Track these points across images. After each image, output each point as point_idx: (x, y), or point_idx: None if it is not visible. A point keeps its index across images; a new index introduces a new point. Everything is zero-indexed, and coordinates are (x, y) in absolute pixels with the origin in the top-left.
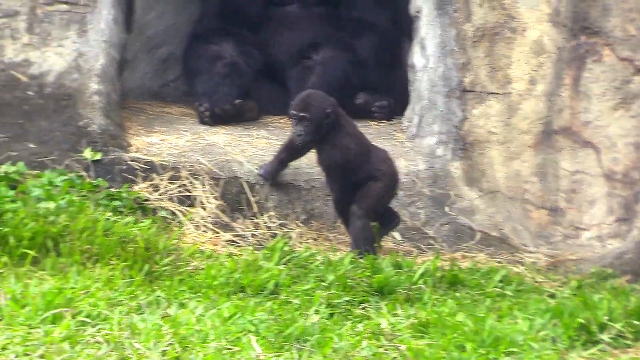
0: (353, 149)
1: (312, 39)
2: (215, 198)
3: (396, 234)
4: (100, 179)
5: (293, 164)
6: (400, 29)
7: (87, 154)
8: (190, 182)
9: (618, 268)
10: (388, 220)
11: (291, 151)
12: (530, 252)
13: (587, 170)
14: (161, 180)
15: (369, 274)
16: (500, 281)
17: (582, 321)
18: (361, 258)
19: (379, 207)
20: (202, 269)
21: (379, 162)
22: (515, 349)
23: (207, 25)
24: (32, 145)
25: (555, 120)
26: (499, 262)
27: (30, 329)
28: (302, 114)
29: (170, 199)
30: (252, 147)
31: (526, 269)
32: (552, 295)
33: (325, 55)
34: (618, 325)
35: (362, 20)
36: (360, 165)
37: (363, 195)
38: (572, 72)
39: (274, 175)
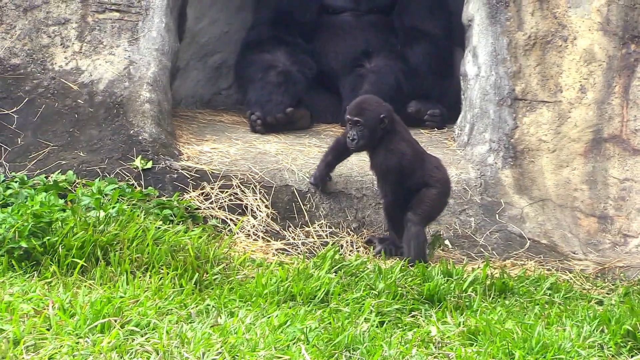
0: (408, 154)
1: (365, 47)
2: (266, 206)
3: (447, 242)
4: (150, 188)
5: (344, 172)
6: (453, 37)
7: (138, 162)
8: (242, 191)
9: None
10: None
11: (337, 153)
12: (579, 260)
13: (636, 178)
14: (212, 188)
15: (420, 281)
16: (549, 288)
17: (629, 328)
18: (412, 266)
19: (433, 214)
20: (253, 277)
21: (433, 169)
22: (562, 356)
23: (260, 34)
24: (82, 154)
25: (605, 128)
26: (548, 269)
27: (79, 338)
28: (356, 119)
29: (221, 208)
30: (304, 155)
31: (575, 277)
32: (600, 302)
33: (377, 63)
34: None
35: (415, 28)
36: (414, 171)
37: (418, 202)
38: (622, 80)
39: (323, 178)
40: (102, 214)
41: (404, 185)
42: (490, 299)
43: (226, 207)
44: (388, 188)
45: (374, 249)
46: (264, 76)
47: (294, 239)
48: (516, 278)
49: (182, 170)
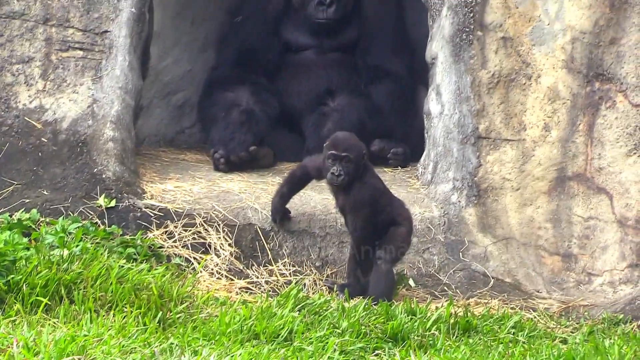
0: (381, 189)
1: (328, 86)
2: (230, 245)
3: (410, 281)
4: (114, 226)
5: (307, 210)
6: (416, 75)
7: (102, 201)
8: (205, 229)
9: (629, 314)
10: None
11: (292, 186)
12: (543, 298)
13: (600, 217)
14: (175, 227)
15: (383, 320)
16: (513, 327)
17: None
18: (376, 304)
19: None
20: (216, 316)
21: (400, 207)
22: None
23: (223, 72)
24: (45, 192)
25: (569, 167)
26: (512, 308)
27: None
28: (345, 154)
29: (185, 246)
30: (267, 194)
31: (539, 315)
32: (564, 341)
33: (341, 101)
34: None
35: (378, 66)
36: (385, 206)
37: (390, 240)
38: (587, 118)
39: (278, 210)
40: (65, 252)
41: (374, 220)
42: (454, 337)
43: (189, 245)
44: (359, 223)
45: (336, 297)
46: (227, 115)
47: (258, 277)
48: (480, 317)
49: (145, 208)
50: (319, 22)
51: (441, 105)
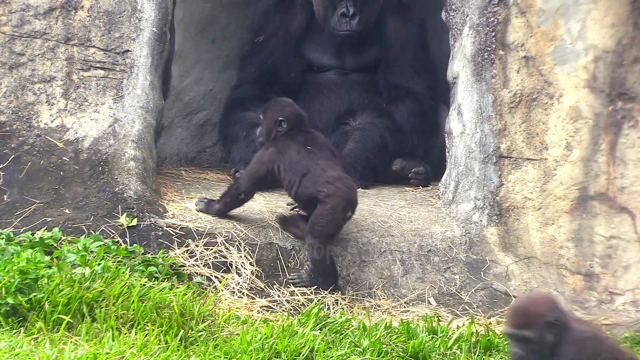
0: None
1: (349, 106)
2: (251, 264)
3: (431, 299)
4: (136, 245)
5: None
6: (438, 95)
7: (123, 219)
8: (226, 248)
9: None
10: None
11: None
12: None
13: (622, 236)
14: (197, 246)
15: (404, 339)
16: None
17: None
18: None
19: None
20: (237, 334)
21: (323, 183)
22: None
23: (244, 92)
24: (67, 211)
25: (591, 186)
26: None
27: None
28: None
29: (206, 265)
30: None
31: None
32: None
33: (362, 121)
34: None
35: (399, 86)
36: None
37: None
38: (609, 137)
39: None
40: (87, 270)
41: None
42: (476, 356)
43: (211, 264)
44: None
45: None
46: (249, 134)
47: (279, 296)
48: (501, 335)
49: (167, 227)
50: (342, 35)
51: (462, 124)
